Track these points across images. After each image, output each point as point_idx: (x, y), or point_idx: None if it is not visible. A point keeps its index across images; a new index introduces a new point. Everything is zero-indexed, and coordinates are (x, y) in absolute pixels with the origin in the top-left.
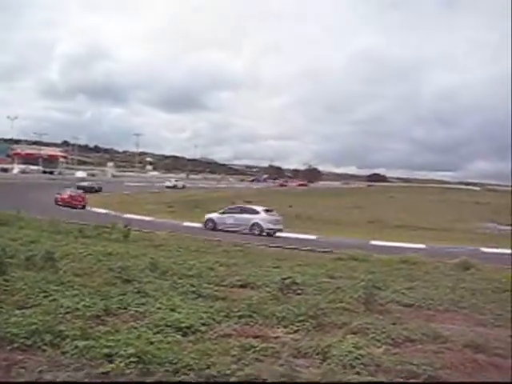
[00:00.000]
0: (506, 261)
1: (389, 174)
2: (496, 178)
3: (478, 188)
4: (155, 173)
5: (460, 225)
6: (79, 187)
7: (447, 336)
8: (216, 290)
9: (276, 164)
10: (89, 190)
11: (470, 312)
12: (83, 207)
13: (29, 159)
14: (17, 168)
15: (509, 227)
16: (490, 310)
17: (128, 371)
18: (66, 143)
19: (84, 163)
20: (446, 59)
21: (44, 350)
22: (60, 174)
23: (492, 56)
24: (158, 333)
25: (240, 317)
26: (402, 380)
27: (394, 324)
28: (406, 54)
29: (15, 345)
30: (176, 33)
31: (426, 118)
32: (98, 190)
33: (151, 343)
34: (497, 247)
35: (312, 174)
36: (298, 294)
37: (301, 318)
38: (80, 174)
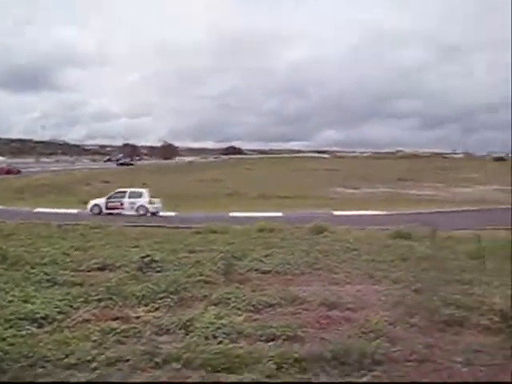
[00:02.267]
0: (354, 222)
1: (245, 146)
2: (343, 145)
3: (327, 156)
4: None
5: (313, 191)
6: None
7: (304, 297)
8: (72, 276)
9: (131, 142)
10: None
11: (324, 272)
12: None
13: None
14: None
15: (356, 190)
16: (341, 268)
17: None
18: None
19: None
20: (299, 34)
21: None
22: None
23: (340, 33)
24: (10, 327)
25: (99, 300)
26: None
27: (253, 291)
28: (260, 28)
29: None
30: (21, 5)
31: (278, 90)
32: None
33: (3, 339)
34: (346, 210)
35: (168, 150)
36: (158, 272)
37: (161, 295)
38: None
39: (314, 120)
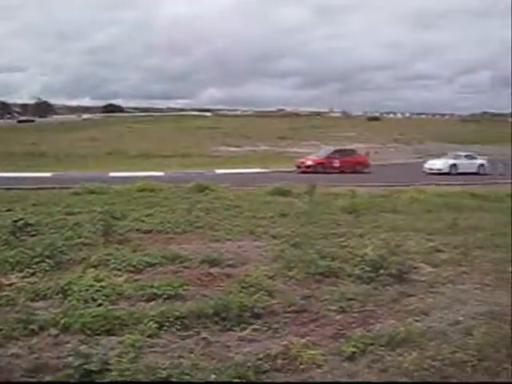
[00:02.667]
0: (235, 180)
1: (126, 104)
2: (226, 103)
3: (209, 114)
4: None
5: (196, 150)
6: None
7: (185, 255)
8: None
9: (1, 99)
10: None
11: (206, 230)
12: None
13: None
14: None
15: (238, 148)
16: (222, 226)
17: None
18: None
19: None
20: None
21: None
22: None
23: None
24: None
25: None
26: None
27: (134, 252)
28: None
29: None
30: None
31: (160, 46)
32: None
33: None
34: (229, 168)
35: (43, 108)
36: (33, 236)
37: (37, 260)
38: None
39: (196, 78)
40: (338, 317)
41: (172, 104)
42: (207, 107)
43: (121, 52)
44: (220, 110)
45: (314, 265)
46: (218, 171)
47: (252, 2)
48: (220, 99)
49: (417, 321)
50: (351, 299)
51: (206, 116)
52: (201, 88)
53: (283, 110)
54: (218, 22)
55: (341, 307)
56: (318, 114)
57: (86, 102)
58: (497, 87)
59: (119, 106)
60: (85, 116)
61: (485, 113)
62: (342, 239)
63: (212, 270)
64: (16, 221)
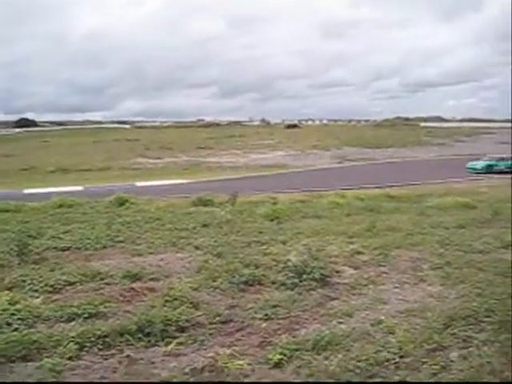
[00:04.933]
0: (157, 192)
1: (40, 118)
2: (144, 115)
3: (128, 126)
4: None
5: (115, 163)
6: None
7: (106, 272)
8: None
9: None
10: None
11: (127, 244)
12: None
13: None
14: None
15: (158, 160)
16: (144, 239)
17: None
18: None
19: None
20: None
21: None
22: None
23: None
24: None
25: None
26: None
27: (51, 271)
28: None
29: None
30: None
31: (73, 59)
32: None
33: None
34: (149, 180)
35: None
36: None
37: None
38: None
39: (113, 90)
40: (264, 325)
41: (89, 117)
42: (125, 119)
43: (33, 66)
44: (139, 121)
45: (237, 274)
46: (139, 184)
47: (165, 13)
48: (138, 111)
49: (341, 323)
50: (276, 306)
51: (125, 128)
52: (118, 100)
53: (203, 120)
54: (131, 33)
55: (266, 315)
56: (238, 123)
57: None
58: (406, 93)
59: (33, 120)
60: None
61: (397, 118)
62: (264, 247)
63: (134, 285)
64: None
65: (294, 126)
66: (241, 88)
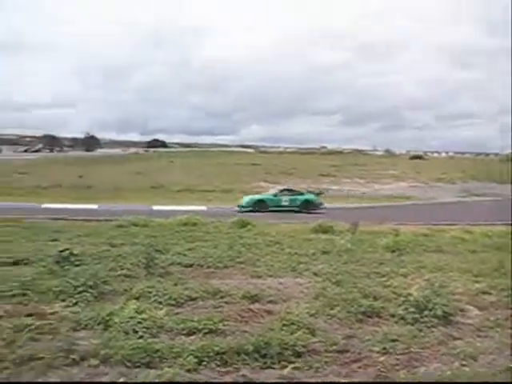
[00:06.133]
0: (276, 217)
1: (169, 139)
2: (268, 140)
3: (251, 150)
4: None
5: (237, 185)
6: None
7: (226, 290)
8: None
9: (52, 133)
10: None
11: (247, 266)
12: None
13: None
14: None
15: (278, 185)
16: (264, 262)
17: None
18: None
19: None
20: (222, 29)
21: None
22: None
23: (260, 30)
24: None
25: (12, 296)
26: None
27: (175, 285)
28: (180, 22)
29: None
30: None
31: (200, 85)
32: None
33: None
34: None
35: (90, 142)
36: (77, 266)
37: (80, 290)
38: None
39: (238, 115)
40: (381, 358)
41: (215, 140)
42: (250, 143)
43: (165, 90)
44: (262, 146)
45: (356, 304)
46: None
47: (293, 40)
48: (262, 136)
49: (464, 365)
50: (395, 340)
51: (248, 152)
52: (243, 125)
53: (325, 147)
54: (258, 60)
55: (384, 348)
56: (361, 151)
57: (134, 136)
58: None
59: (163, 141)
60: (130, 150)
61: None
62: (384, 278)
63: (252, 306)
64: (61, 251)
65: (419, 157)
66: (365, 116)
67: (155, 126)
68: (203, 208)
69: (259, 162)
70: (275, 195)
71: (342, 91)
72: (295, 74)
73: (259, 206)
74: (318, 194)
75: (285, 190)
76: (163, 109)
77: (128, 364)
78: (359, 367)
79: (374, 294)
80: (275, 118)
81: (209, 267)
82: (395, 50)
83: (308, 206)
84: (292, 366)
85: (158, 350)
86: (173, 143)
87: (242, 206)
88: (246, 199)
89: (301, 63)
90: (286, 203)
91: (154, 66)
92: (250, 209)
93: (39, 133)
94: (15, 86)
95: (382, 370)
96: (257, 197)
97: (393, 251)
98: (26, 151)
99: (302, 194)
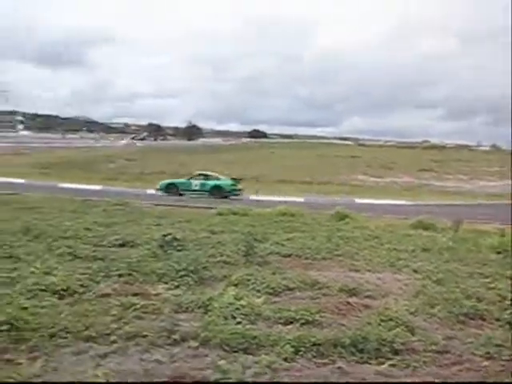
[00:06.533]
0: (376, 210)
1: (270, 130)
2: (368, 133)
3: (351, 142)
4: (26, 132)
5: (336, 177)
6: None
7: (323, 282)
8: (94, 251)
9: (156, 122)
10: None
11: (345, 259)
12: None
13: None
14: None
15: (379, 179)
16: (362, 256)
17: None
18: None
19: None
20: (327, 20)
21: None
22: None
23: (367, 19)
24: (31, 298)
25: (119, 276)
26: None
27: (273, 274)
28: (287, 14)
29: None
30: None
31: (305, 76)
32: None
33: (24, 309)
34: (369, 198)
35: (192, 132)
36: (179, 251)
37: (181, 274)
38: None
39: (339, 107)
40: (485, 363)
41: (315, 132)
42: (349, 136)
43: (268, 81)
44: (361, 139)
45: (458, 304)
46: (358, 200)
47: (396, 32)
48: (362, 128)
49: None
50: (500, 346)
51: (348, 145)
52: (344, 117)
53: (428, 141)
54: (361, 52)
55: (487, 353)
56: (465, 147)
57: (234, 127)
58: None
59: (263, 132)
60: (231, 140)
61: None
62: (489, 280)
63: (350, 300)
64: (165, 235)
65: None
66: (470, 110)
67: (256, 117)
68: (301, 199)
69: (358, 154)
70: (188, 179)
71: (447, 83)
72: (400, 64)
73: (170, 189)
74: (235, 181)
75: (200, 174)
76: (265, 100)
77: (226, 348)
78: (460, 370)
79: (478, 295)
80: (377, 109)
81: (306, 258)
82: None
83: (218, 192)
84: (389, 362)
85: (255, 337)
86: (273, 134)
87: (158, 189)
88: (160, 183)
89: (405, 53)
90: (197, 187)
91: (260, 58)
92: (164, 192)
93: (144, 122)
94: (127, 77)
95: (484, 374)
96: (168, 181)
97: (498, 252)
98: (132, 139)
99: (218, 179)
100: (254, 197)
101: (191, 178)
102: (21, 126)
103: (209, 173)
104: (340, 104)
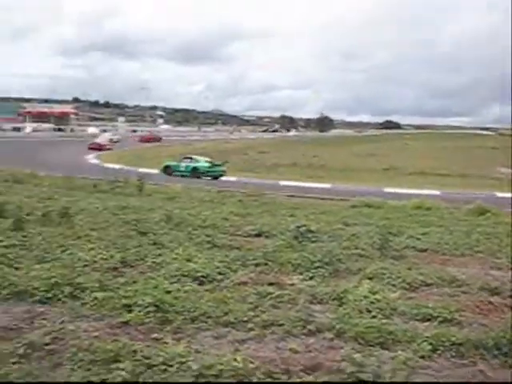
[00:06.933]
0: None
1: (403, 120)
2: (508, 122)
3: (492, 133)
4: (166, 126)
5: (474, 170)
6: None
7: (463, 279)
8: (231, 240)
9: (288, 114)
10: None
11: (486, 256)
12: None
13: (40, 117)
14: (29, 127)
15: None
16: (505, 253)
17: (147, 320)
18: (76, 100)
19: (95, 119)
20: (464, 6)
21: (64, 302)
22: (72, 130)
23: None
24: (174, 282)
25: (256, 265)
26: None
27: (409, 269)
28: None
29: (36, 297)
30: None
31: (439, 64)
32: None
33: (168, 292)
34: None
35: (324, 123)
36: (313, 242)
37: (316, 265)
38: (92, 130)
39: (478, 94)
40: None
41: (449, 122)
42: (490, 126)
43: (400, 70)
44: (503, 128)
45: None
46: (500, 194)
47: None
48: (505, 117)
49: None
50: None
51: (487, 135)
52: (482, 105)
53: None
54: (503, 38)
55: None
56: None
57: (366, 118)
58: None
59: (396, 123)
60: (363, 131)
61: None
62: None
63: (492, 299)
64: (299, 226)
65: None
66: None
67: (388, 107)
68: (437, 192)
69: (499, 145)
70: (178, 162)
71: None
72: None
73: (167, 170)
74: (213, 164)
75: (185, 157)
76: (397, 89)
77: (361, 341)
78: None
79: None
80: None
81: (444, 254)
82: None
83: (195, 173)
84: None
85: (391, 332)
86: (406, 125)
87: (160, 170)
88: (162, 165)
89: None
90: (183, 169)
91: (391, 46)
92: (162, 172)
93: (277, 114)
94: (260, 70)
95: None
96: (166, 163)
97: None
98: (265, 131)
99: (197, 161)
100: (388, 189)
101: (180, 161)
102: (161, 120)
103: (193, 156)
104: (478, 91)
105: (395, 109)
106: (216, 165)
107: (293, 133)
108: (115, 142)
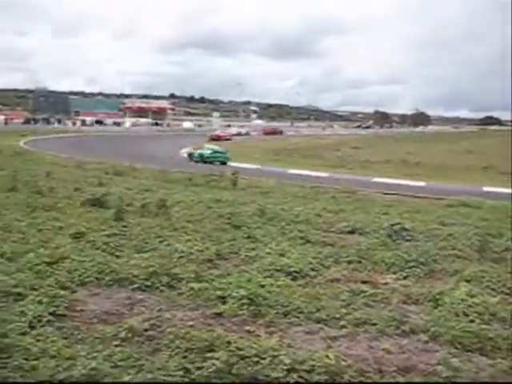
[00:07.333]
0: None
1: (504, 116)
2: None
3: None
4: (259, 121)
5: None
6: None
7: None
8: (324, 236)
9: (382, 109)
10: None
11: None
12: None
13: (139, 112)
14: (128, 121)
15: None
16: None
17: (240, 312)
18: (172, 96)
19: (190, 114)
20: None
21: (162, 291)
22: (168, 125)
23: None
24: (268, 276)
25: (349, 262)
26: None
27: (510, 273)
28: None
29: (136, 285)
30: None
31: None
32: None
33: (262, 286)
34: None
35: (420, 119)
36: (408, 241)
37: (411, 265)
38: (187, 124)
39: None
40: None
41: None
42: None
43: (500, 63)
44: None
45: None
46: None
47: None
48: None
49: None
50: None
51: None
52: None
53: None
54: None
55: None
56: None
57: (464, 113)
58: None
59: (497, 119)
60: (461, 128)
61: None
62: None
63: None
64: (393, 224)
65: None
66: None
67: (488, 103)
68: None
69: None
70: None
71: None
72: None
73: (190, 156)
74: (216, 151)
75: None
76: (498, 83)
77: (458, 346)
78: None
79: None
80: None
81: None
82: None
83: (202, 159)
84: None
85: (490, 338)
86: (508, 121)
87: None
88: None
89: None
90: (196, 155)
91: (489, 37)
92: (189, 159)
93: (370, 109)
94: (354, 65)
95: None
96: (199, 151)
97: None
98: (358, 127)
99: (202, 149)
100: (488, 188)
101: (197, 149)
102: (254, 115)
103: (210, 146)
104: None
105: (495, 104)
106: (218, 152)
107: (386, 128)
108: (244, 135)
